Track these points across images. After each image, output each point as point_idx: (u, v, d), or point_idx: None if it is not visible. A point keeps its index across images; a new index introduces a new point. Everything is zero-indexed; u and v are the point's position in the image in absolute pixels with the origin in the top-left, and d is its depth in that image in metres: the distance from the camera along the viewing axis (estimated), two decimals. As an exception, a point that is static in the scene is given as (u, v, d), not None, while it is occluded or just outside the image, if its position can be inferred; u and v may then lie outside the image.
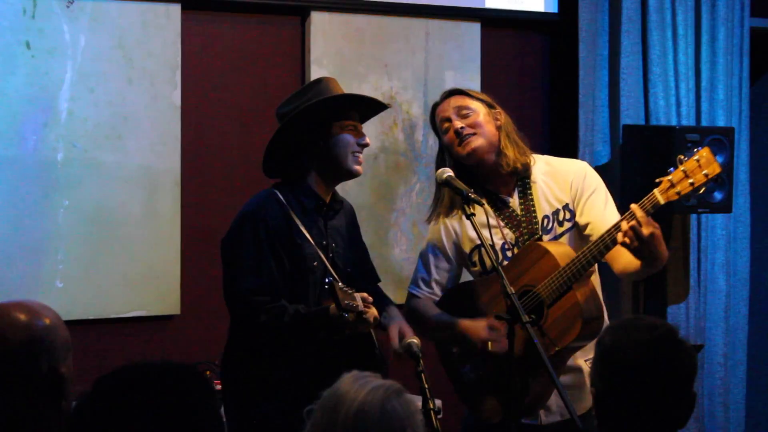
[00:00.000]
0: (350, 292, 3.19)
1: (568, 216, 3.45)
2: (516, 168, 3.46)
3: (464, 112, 3.48)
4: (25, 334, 2.10)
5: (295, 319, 3.28)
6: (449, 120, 3.49)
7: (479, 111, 3.49)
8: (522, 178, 3.49)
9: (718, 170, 3.08)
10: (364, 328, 3.29)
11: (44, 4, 4.29)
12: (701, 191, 3.12)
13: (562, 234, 3.45)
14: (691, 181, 3.08)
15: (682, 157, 3.10)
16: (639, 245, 3.12)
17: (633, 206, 3.14)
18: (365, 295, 3.25)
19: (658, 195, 3.12)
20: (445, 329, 3.52)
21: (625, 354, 2.30)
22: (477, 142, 3.46)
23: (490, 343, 3.36)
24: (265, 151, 3.44)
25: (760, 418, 5.79)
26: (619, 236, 3.13)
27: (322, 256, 3.40)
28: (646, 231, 3.09)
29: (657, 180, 3.14)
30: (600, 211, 3.40)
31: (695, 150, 3.11)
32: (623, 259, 3.30)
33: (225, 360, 3.50)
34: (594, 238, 3.36)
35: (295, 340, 3.33)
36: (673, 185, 3.10)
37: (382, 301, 3.52)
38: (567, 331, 3.28)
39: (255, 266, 3.34)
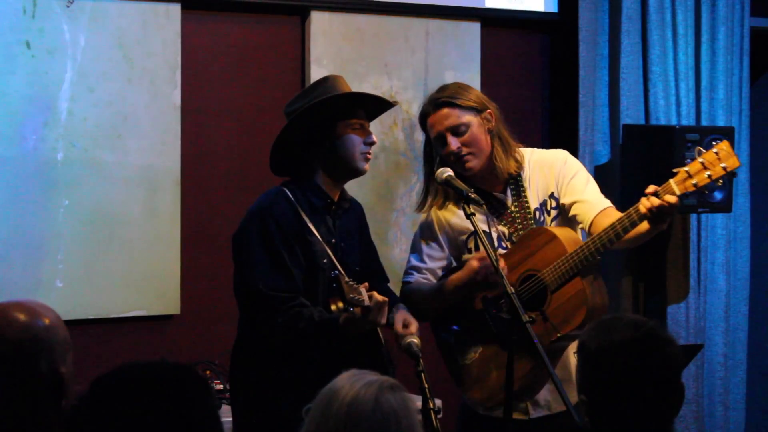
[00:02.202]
0: (356, 286, 3.18)
1: (554, 204, 3.49)
2: (509, 173, 3.50)
3: (460, 129, 3.46)
4: (25, 334, 2.10)
5: (308, 327, 3.27)
6: (444, 137, 3.47)
7: (472, 123, 3.47)
8: (514, 177, 3.52)
9: (737, 164, 3.04)
10: (375, 322, 3.25)
11: (44, 4, 4.29)
12: (719, 184, 3.08)
13: (551, 222, 3.48)
14: (709, 173, 3.05)
15: (701, 149, 3.07)
16: (663, 218, 3.15)
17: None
18: (367, 285, 3.24)
19: (674, 185, 3.10)
20: (437, 293, 3.53)
21: (611, 357, 2.27)
22: (474, 162, 3.47)
23: (480, 269, 3.36)
24: (272, 148, 3.44)
25: (760, 418, 5.79)
26: (642, 208, 3.13)
27: (331, 254, 3.40)
28: (671, 199, 3.10)
29: (674, 170, 3.10)
30: (581, 189, 3.44)
31: (714, 143, 3.08)
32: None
33: (234, 357, 3.49)
34: (579, 216, 3.41)
35: (307, 345, 3.33)
36: (690, 176, 3.07)
37: (391, 299, 3.51)
38: (570, 319, 3.29)
39: (269, 262, 3.33)
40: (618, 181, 5.04)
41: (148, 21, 4.47)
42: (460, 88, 3.55)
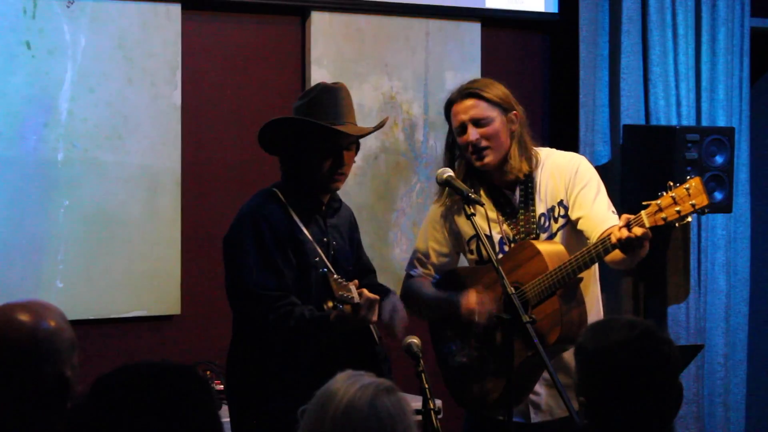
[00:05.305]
0: (345, 283, 3.18)
1: (562, 212, 3.48)
2: (518, 176, 3.49)
3: (482, 122, 3.45)
4: (29, 337, 2.08)
5: (300, 323, 3.28)
6: (465, 127, 3.46)
7: (496, 119, 3.46)
8: (525, 178, 3.51)
9: (705, 202, 3.06)
10: (366, 319, 3.23)
11: (44, 4, 4.29)
12: (685, 221, 3.11)
13: (558, 230, 3.47)
14: (678, 209, 3.08)
15: (671, 183, 3.11)
16: (633, 248, 3.17)
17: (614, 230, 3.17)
18: (357, 282, 3.23)
19: (645, 218, 3.13)
20: (435, 303, 3.56)
21: (609, 358, 2.28)
22: (491, 157, 3.45)
23: (477, 313, 3.39)
24: (264, 127, 3.45)
25: (760, 418, 5.79)
26: (613, 239, 3.15)
27: (322, 253, 3.41)
28: (639, 232, 3.12)
29: (644, 203, 3.14)
30: (589, 204, 3.43)
31: (687, 178, 3.11)
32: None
33: (230, 359, 3.50)
34: (585, 232, 3.41)
35: (299, 342, 3.34)
36: (660, 210, 3.10)
37: (381, 290, 3.51)
38: (544, 337, 3.28)
39: (260, 262, 3.34)
40: (618, 181, 5.04)
41: (148, 21, 4.47)
42: (491, 83, 3.55)
